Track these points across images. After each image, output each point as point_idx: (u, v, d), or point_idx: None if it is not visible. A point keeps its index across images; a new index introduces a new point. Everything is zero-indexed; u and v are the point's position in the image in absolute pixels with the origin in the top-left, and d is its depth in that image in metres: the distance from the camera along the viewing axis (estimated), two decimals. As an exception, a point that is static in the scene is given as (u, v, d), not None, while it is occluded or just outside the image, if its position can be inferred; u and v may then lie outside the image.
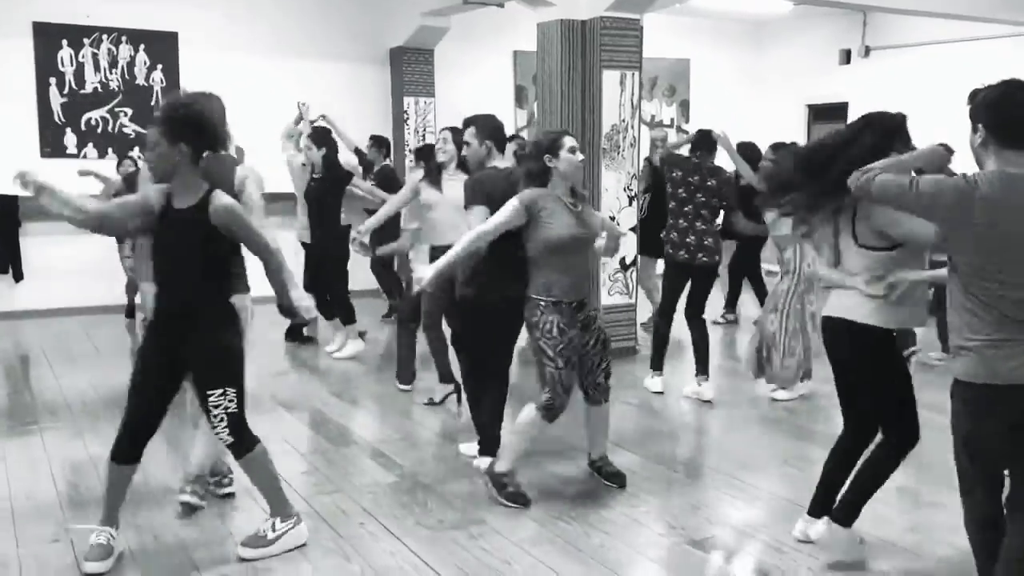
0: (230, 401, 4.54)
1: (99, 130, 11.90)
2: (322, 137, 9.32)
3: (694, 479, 6.06)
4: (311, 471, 6.02)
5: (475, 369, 6.13)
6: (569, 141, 5.43)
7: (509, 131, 10.91)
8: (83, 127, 11.85)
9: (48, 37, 11.57)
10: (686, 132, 15.64)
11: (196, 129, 4.45)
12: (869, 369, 4.46)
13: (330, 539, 4.97)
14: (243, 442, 4.64)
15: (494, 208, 5.48)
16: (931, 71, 13.02)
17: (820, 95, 14.97)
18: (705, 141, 7.93)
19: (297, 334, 10.05)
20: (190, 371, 4.61)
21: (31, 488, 5.73)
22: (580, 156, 5.48)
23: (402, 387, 8.17)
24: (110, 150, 11.83)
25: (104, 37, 11.86)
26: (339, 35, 13.21)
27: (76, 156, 11.72)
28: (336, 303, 9.62)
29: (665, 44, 13.17)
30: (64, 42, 11.66)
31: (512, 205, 5.33)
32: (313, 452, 6.47)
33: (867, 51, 14.26)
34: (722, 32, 15.76)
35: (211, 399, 4.52)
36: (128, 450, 4.59)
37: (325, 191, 9.34)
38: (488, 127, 6.19)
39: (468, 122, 6.30)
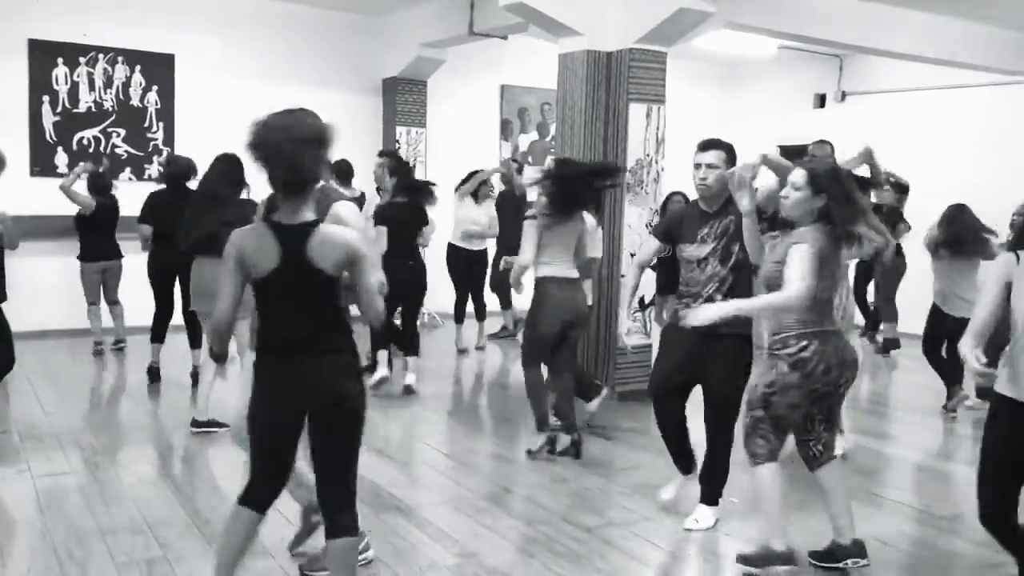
0: None
1: (91, 149, 10.38)
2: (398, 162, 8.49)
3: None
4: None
5: None
6: None
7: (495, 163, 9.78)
8: (75, 147, 10.34)
9: (43, 55, 10.08)
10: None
11: None
12: None
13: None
14: None
15: None
16: (905, 117, 12.11)
17: (792, 136, 13.87)
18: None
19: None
20: None
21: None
22: None
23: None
24: (101, 169, 10.36)
25: (100, 56, 10.39)
26: (333, 63, 11.83)
27: (66, 175, 10.21)
28: (411, 331, 8.28)
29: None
30: (60, 60, 10.17)
31: None
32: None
33: (843, 96, 13.24)
34: (702, 72, 14.69)
35: None
36: None
37: (407, 216, 8.08)
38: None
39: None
